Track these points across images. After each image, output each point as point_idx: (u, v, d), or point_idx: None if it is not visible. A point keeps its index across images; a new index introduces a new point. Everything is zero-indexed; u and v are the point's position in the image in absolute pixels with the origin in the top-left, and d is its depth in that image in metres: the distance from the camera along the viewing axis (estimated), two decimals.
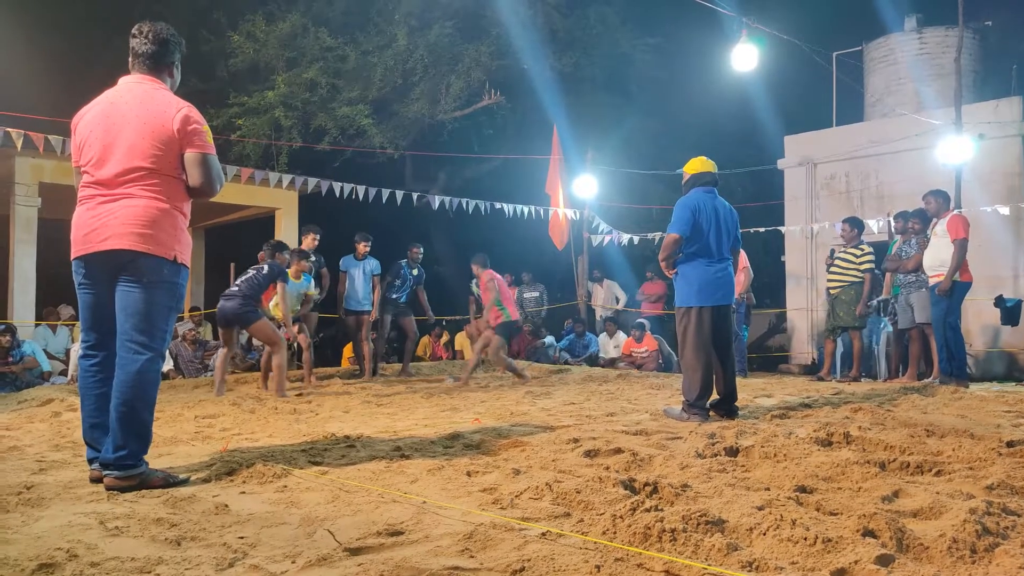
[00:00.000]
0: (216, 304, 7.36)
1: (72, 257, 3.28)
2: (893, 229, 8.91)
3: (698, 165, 5.35)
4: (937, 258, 7.32)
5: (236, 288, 7.09)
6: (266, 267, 7.27)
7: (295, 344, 8.80)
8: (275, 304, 7.68)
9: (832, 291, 8.48)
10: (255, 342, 11.24)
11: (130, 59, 3.38)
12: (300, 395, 7.07)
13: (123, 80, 3.38)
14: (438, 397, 6.75)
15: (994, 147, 10.93)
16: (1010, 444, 3.56)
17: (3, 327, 8.87)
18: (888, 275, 8.69)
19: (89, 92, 3.46)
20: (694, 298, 5.12)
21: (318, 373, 9.09)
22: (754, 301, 11.12)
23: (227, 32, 14.24)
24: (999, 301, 8.51)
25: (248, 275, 7.20)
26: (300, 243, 8.87)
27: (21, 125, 8.82)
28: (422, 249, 9.71)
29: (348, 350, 10.93)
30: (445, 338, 14.06)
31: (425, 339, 14.05)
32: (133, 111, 3.22)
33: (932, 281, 7.40)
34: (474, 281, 10.07)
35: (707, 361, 5.07)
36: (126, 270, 3.19)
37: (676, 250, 5.17)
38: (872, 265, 8.24)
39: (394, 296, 9.34)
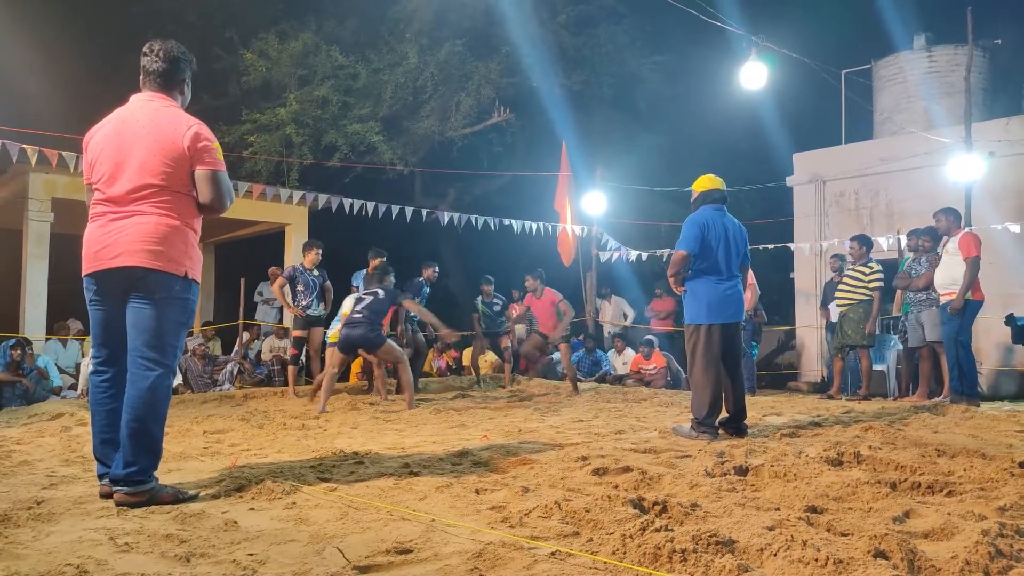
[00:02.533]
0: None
1: (83, 274, 3.30)
2: (905, 246, 8.88)
3: (707, 183, 5.36)
4: (948, 276, 7.29)
5: (359, 315, 7.29)
6: (381, 291, 7.48)
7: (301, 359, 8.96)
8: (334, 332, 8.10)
9: (840, 309, 8.45)
10: (264, 356, 11.31)
11: (141, 77, 3.40)
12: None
13: (134, 98, 3.40)
14: (446, 413, 6.75)
15: (1005, 165, 10.91)
16: (1022, 464, 3.52)
17: (15, 341, 8.92)
18: (898, 293, 8.65)
19: (103, 109, 3.50)
20: (703, 315, 5.12)
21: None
22: (765, 319, 11.08)
23: (240, 50, 14.39)
24: (1010, 320, 8.46)
25: (367, 301, 7.40)
26: (303, 259, 8.88)
27: (35, 141, 8.91)
28: (437, 268, 9.79)
29: (356, 365, 10.95)
30: (454, 354, 14.05)
31: (430, 354, 14.05)
32: (144, 129, 3.24)
33: (943, 299, 7.36)
34: (479, 298, 10.07)
35: (716, 379, 5.05)
36: (137, 287, 3.21)
37: (684, 267, 5.17)
38: (881, 283, 8.21)
39: (411, 314, 9.36)
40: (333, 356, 7.61)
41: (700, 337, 5.11)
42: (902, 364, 9.16)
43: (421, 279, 9.46)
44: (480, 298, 10.02)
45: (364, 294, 7.58)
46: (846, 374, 8.93)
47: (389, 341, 7.52)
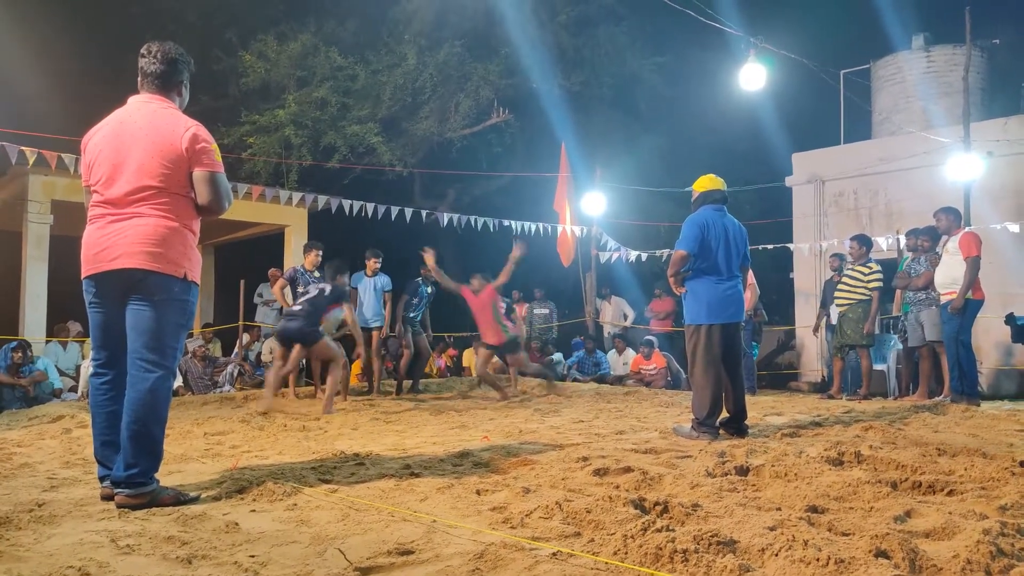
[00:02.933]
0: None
1: (83, 276, 3.30)
2: (904, 246, 8.88)
3: (707, 183, 5.36)
4: (949, 275, 7.30)
5: (299, 308, 7.22)
6: (328, 288, 7.38)
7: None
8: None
9: (840, 309, 8.46)
10: (263, 358, 11.30)
11: (139, 78, 3.40)
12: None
13: (132, 99, 3.40)
14: (446, 414, 6.74)
15: (1003, 164, 10.92)
16: (1023, 463, 3.53)
17: (16, 343, 8.92)
18: (898, 292, 8.66)
19: (103, 110, 3.49)
20: (704, 315, 5.11)
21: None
22: (765, 318, 11.08)
23: (239, 51, 14.40)
24: (1010, 319, 8.46)
25: (311, 295, 7.32)
26: (303, 260, 8.88)
27: (35, 143, 8.91)
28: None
29: (356, 367, 10.94)
30: (452, 352, 14.06)
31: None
32: (142, 130, 3.24)
33: (944, 299, 7.37)
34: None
35: (717, 379, 5.05)
36: (136, 289, 3.21)
37: (684, 267, 5.17)
38: (880, 283, 8.22)
39: (411, 315, 9.34)
40: (277, 352, 7.52)
41: (700, 337, 5.11)
42: (902, 364, 9.16)
43: (418, 279, 9.44)
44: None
45: (311, 287, 7.47)
46: (847, 374, 8.93)
47: (326, 338, 7.28)
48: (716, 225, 5.13)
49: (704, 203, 5.27)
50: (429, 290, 9.51)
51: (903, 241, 9.10)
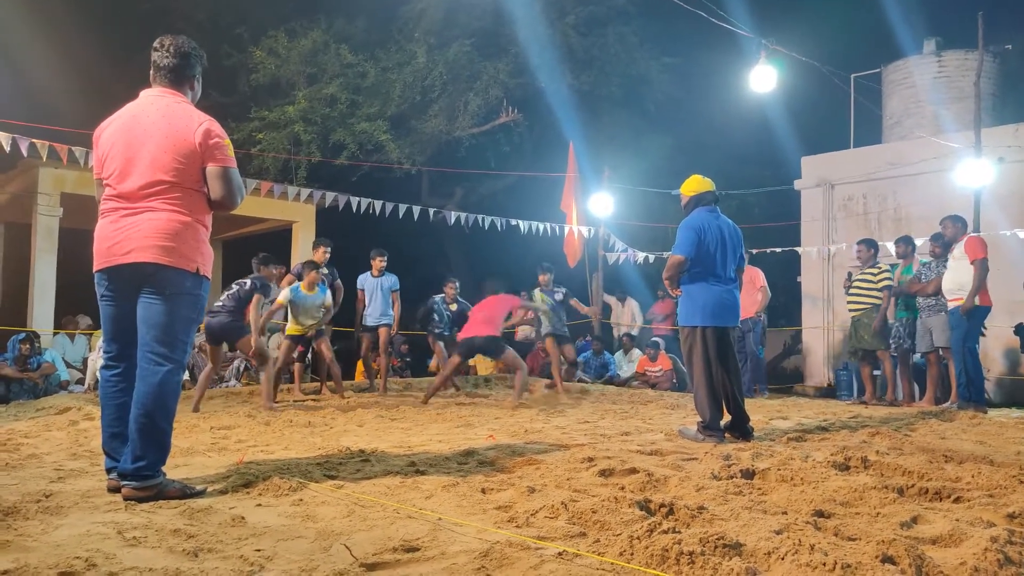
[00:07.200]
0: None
1: (95, 269, 3.30)
2: (894, 253, 8.79)
3: (697, 185, 5.29)
4: (956, 281, 7.28)
5: (221, 304, 7.11)
6: (248, 281, 7.25)
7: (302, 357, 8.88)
8: (291, 322, 7.87)
9: (853, 314, 8.41)
10: (272, 354, 11.31)
11: (152, 72, 3.40)
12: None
13: (145, 93, 3.40)
14: (451, 412, 6.75)
15: (1014, 171, 10.87)
16: None
17: (24, 335, 8.96)
18: (891, 300, 8.52)
19: (113, 105, 3.50)
20: (698, 318, 5.06)
21: (329, 387, 9.08)
22: (766, 322, 11.04)
23: (249, 47, 14.43)
24: (1020, 329, 8.43)
25: (232, 290, 7.21)
26: (313, 256, 8.90)
27: (45, 136, 8.94)
28: (458, 284, 9.82)
29: (360, 365, 10.95)
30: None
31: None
32: (155, 125, 3.25)
33: (951, 305, 7.34)
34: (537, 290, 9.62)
35: (716, 381, 5.02)
36: (149, 282, 3.22)
37: (679, 271, 5.12)
38: (890, 283, 8.18)
39: (437, 331, 9.50)
40: (209, 351, 7.39)
41: (696, 340, 5.07)
42: (899, 369, 9.11)
43: (437, 298, 9.59)
44: (537, 290, 9.53)
45: (233, 284, 7.32)
46: (848, 379, 8.89)
47: (250, 334, 7.08)
48: (712, 228, 5.09)
49: (697, 206, 5.23)
50: (453, 308, 9.60)
51: (894, 248, 8.94)
